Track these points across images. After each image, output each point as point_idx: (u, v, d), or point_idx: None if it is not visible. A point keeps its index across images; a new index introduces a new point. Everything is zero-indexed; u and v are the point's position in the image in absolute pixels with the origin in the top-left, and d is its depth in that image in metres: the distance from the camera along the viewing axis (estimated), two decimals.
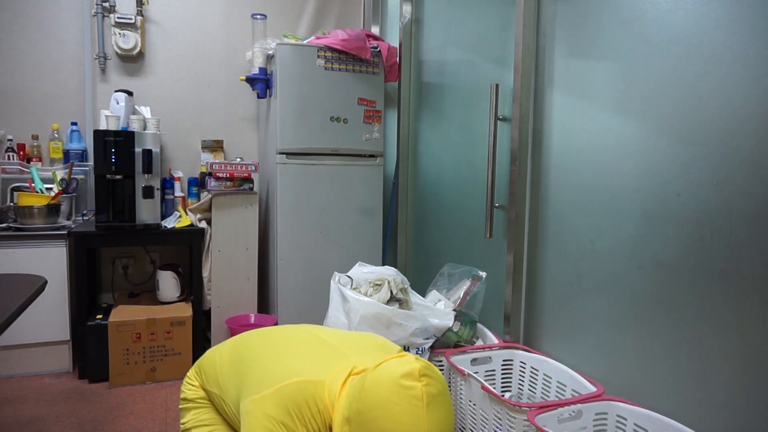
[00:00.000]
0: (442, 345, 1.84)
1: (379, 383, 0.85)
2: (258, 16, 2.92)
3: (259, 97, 2.88)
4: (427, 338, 1.78)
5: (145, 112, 2.92)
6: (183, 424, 1.29)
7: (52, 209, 2.59)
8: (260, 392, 1.00)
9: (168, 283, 2.78)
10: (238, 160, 2.85)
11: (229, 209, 2.77)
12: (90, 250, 2.75)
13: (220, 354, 1.25)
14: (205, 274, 2.78)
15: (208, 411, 1.26)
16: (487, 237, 1.93)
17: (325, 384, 0.99)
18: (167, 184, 2.97)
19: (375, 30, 3.28)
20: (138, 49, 2.96)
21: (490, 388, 1.48)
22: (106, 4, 2.92)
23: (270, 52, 2.78)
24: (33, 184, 2.68)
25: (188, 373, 1.35)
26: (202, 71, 3.19)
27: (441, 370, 1.83)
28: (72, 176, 2.74)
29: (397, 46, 2.88)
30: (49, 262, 2.52)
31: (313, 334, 1.17)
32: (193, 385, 1.30)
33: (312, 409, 0.96)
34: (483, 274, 1.96)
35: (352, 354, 1.07)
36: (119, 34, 2.92)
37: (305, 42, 2.74)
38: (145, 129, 2.82)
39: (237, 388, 1.11)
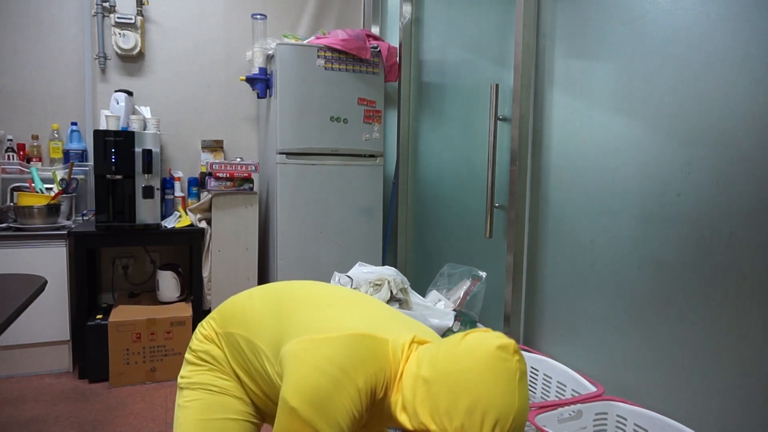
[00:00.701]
0: None
1: (475, 350, 0.86)
2: (258, 16, 2.92)
3: (259, 97, 2.87)
4: None
5: (145, 112, 2.92)
6: (180, 377, 1.21)
7: (52, 209, 2.59)
8: (322, 333, 0.96)
9: (168, 283, 2.78)
10: (238, 160, 2.85)
11: (229, 209, 2.77)
12: (90, 250, 2.75)
13: (249, 298, 1.18)
14: (205, 274, 2.78)
15: (204, 374, 1.17)
16: (487, 237, 1.93)
17: (389, 343, 0.96)
18: (167, 184, 2.97)
19: (375, 30, 3.28)
20: (138, 49, 2.96)
21: None
22: (106, 4, 2.92)
23: (270, 52, 2.78)
24: (33, 184, 2.68)
25: (202, 322, 1.25)
26: (202, 71, 3.19)
27: None
28: (72, 176, 2.74)
29: (397, 46, 2.88)
30: (49, 262, 2.52)
31: (363, 296, 1.14)
32: (203, 334, 1.21)
33: (376, 365, 0.93)
34: (483, 274, 1.96)
35: (403, 323, 1.05)
36: (119, 34, 2.92)
37: (305, 42, 2.74)
38: (145, 129, 2.82)
39: (279, 328, 1.04)
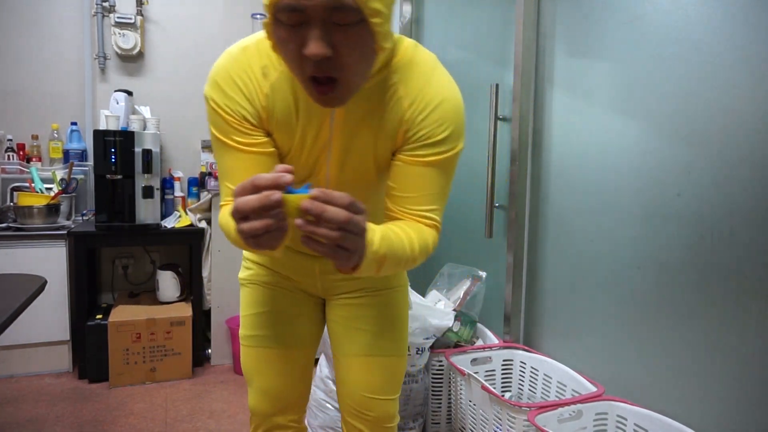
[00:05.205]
0: (442, 345, 1.84)
1: None
2: (258, 16, 2.92)
3: None
4: (427, 338, 1.78)
5: (145, 111, 2.92)
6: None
7: (52, 209, 2.58)
8: None
9: (168, 283, 2.78)
10: None
11: None
12: (90, 250, 2.75)
13: None
14: (205, 274, 2.78)
15: (251, 270, 1.18)
16: (487, 237, 1.93)
17: None
18: (167, 184, 2.97)
19: None
20: (138, 48, 2.96)
21: (490, 388, 1.48)
22: (106, 4, 2.92)
23: None
24: (33, 184, 2.68)
25: None
26: (202, 71, 3.18)
27: (441, 370, 1.83)
28: (72, 176, 2.74)
29: None
30: (49, 262, 2.52)
31: None
32: None
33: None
34: (483, 274, 1.96)
35: None
36: (119, 34, 2.91)
37: None
38: (145, 129, 2.82)
39: None
